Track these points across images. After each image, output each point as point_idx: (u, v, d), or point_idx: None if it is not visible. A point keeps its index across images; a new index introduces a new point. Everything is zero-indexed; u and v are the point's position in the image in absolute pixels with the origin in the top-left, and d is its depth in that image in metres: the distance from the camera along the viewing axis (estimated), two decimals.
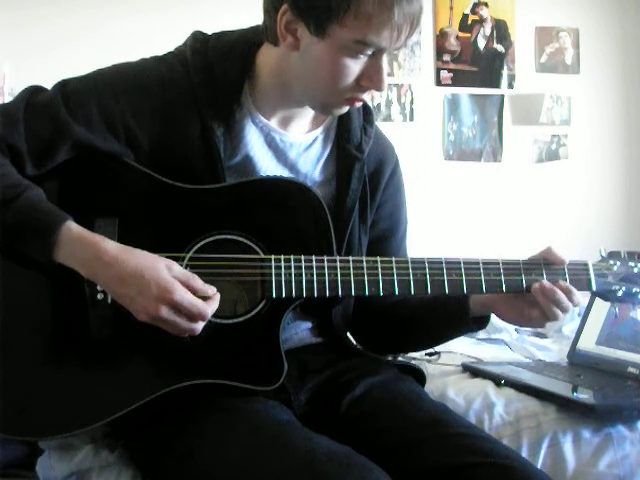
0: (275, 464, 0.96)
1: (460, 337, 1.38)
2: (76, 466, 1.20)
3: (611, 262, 1.26)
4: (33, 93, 1.13)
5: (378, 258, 1.15)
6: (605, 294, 1.26)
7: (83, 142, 1.10)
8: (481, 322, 1.27)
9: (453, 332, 1.33)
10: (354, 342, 1.36)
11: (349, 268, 1.13)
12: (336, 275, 1.12)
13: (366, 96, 1.15)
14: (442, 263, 1.17)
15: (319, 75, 1.11)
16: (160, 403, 1.07)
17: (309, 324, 1.29)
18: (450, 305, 1.27)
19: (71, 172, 1.12)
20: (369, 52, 1.08)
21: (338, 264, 1.13)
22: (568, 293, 1.18)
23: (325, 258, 1.13)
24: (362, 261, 1.14)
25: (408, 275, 1.15)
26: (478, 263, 1.18)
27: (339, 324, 1.29)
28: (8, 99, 2.67)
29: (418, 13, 1.07)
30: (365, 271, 1.14)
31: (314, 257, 1.12)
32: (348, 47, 1.07)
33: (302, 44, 1.10)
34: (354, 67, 1.09)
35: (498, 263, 1.19)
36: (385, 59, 1.10)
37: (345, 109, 1.19)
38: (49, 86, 1.15)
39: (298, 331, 1.28)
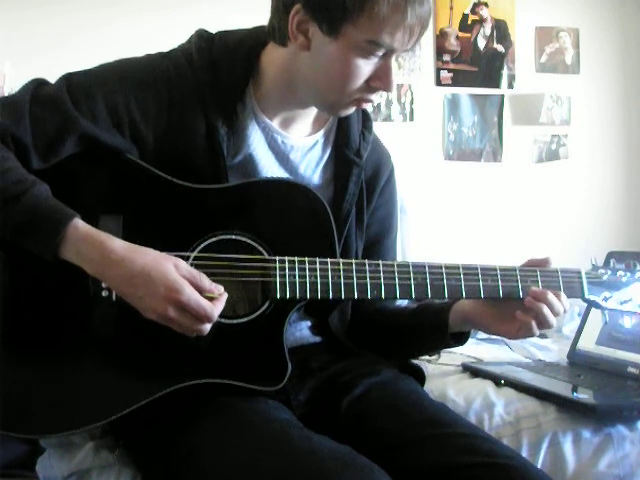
0: (275, 464, 0.96)
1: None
2: (76, 466, 1.20)
3: (601, 271, 1.29)
4: (38, 86, 1.12)
5: (380, 262, 1.16)
6: (595, 302, 1.28)
7: (89, 135, 1.10)
8: (460, 339, 1.28)
9: (432, 345, 1.35)
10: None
11: (352, 271, 1.14)
12: (339, 277, 1.13)
13: (374, 97, 1.16)
14: (442, 268, 1.18)
15: (330, 75, 1.12)
16: (161, 403, 1.07)
17: (308, 323, 1.29)
18: (430, 319, 1.28)
19: (77, 168, 1.11)
20: (380, 53, 1.09)
21: (341, 267, 1.14)
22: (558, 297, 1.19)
23: (329, 260, 1.13)
24: (365, 264, 1.15)
25: (409, 279, 1.16)
26: (477, 268, 1.19)
27: (336, 326, 1.29)
28: None
29: (428, 15, 1.09)
30: (367, 274, 1.15)
31: (318, 259, 1.13)
32: (361, 47, 1.08)
33: (313, 44, 1.11)
34: (365, 68, 1.10)
35: (496, 269, 1.20)
36: (394, 59, 1.12)
37: (352, 110, 1.19)
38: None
39: (297, 330, 1.28)
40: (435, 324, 1.27)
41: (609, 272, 1.28)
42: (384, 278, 1.15)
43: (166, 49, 1.21)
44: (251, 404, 1.09)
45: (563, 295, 1.20)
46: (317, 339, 1.30)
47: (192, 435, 1.06)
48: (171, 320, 1.01)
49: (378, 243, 1.36)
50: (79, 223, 1.02)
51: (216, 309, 1.02)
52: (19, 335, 1.06)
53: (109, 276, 1.02)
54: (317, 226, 1.16)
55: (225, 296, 1.05)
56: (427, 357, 1.71)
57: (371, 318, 1.35)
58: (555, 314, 1.18)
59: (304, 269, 1.12)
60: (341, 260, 1.15)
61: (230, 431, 1.04)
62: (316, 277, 1.12)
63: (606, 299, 1.27)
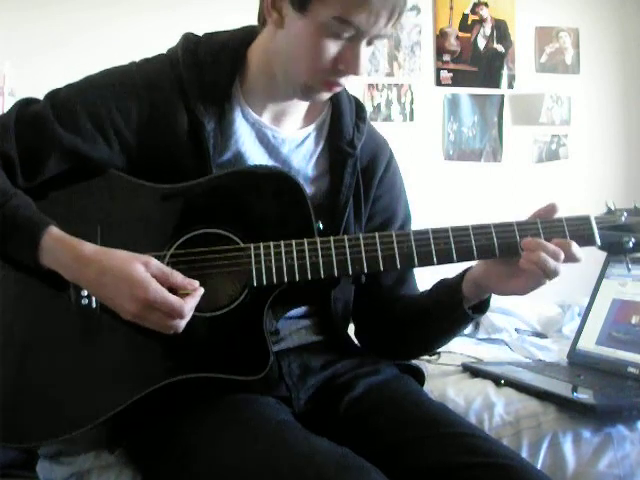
0: (272, 465, 0.96)
1: (462, 333, 1.31)
2: (76, 467, 1.20)
3: (618, 213, 1.19)
4: (24, 104, 1.15)
5: (360, 235, 1.12)
6: (615, 247, 1.17)
7: (72, 151, 1.12)
8: (481, 308, 1.22)
9: (451, 324, 1.26)
10: (355, 341, 1.36)
11: (330, 249, 1.11)
12: (317, 257, 1.10)
13: (343, 80, 1.14)
14: (429, 233, 1.12)
15: (299, 53, 1.11)
16: (158, 402, 1.08)
17: (308, 322, 1.29)
18: (444, 294, 1.23)
19: (52, 183, 1.13)
20: (347, 34, 1.08)
21: (319, 245, 1.11)
22: (564, 246, 1.11)
23: (305, 241, 1.11)
24: (344, 240, 1.11)
25: (393, 249, 1.11)
26: (468, 229, 1.13)
27: (339, 321, 1.28)
28: (8, 99, 2.66)
29: (400, 2, 1.07)
30: (347, 250, 1.11)
31: (294, 241, 1.10)
32: (328, 25, 1.07)
33: (286, 21, 1.11)
34: (332, 47, 1.09)
35: (490, 227, 1.13)
36: (364, 45, 1.10)
37: (326, 95, 1.18)
38: (48, 86, 1.17)
39: (297, 329, 1.27)
40: (450, 297, 1.21)
41: (625, 213, 1.18)
42: (366, 251, 1.11)
43: (165, 49, 1.22)
44: (249, 404, 1.09)
45: (574, 244, 1.11)
46: (318, 338, 1.30)
47: (189, 435, 1.06)
48: (143, 319, 1.01)
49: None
50: (53, 230, 1.04)
51: (187, 305, 1.02)
52: (5, 343, 1.07)
53: (82, 279, 1.04)
54: (292, 207, 1.14)
55: (200, 291, 1.04)
56: (427, 357, 1.72)
57: (383, 311, 1.32)
58: (556, 259, 1.09)
59: (280, 253, 1.10)
60: (318, 239, 1.11)
61: (226, 431, 1.04)
62: (293, 259, 1.10)
63: (627, 242, 1.16)
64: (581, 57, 3.63)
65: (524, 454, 1.31)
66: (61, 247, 1.04)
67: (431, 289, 1.29)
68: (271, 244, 1.10)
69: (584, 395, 1.41)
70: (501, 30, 3.56)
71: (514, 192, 3.52)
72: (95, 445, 1.21)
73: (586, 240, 1.14)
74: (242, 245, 1.11)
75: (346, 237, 1.12)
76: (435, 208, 3.36)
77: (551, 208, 1.17)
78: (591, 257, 1.31)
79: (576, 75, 3.63)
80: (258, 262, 1.10)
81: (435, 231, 1.12)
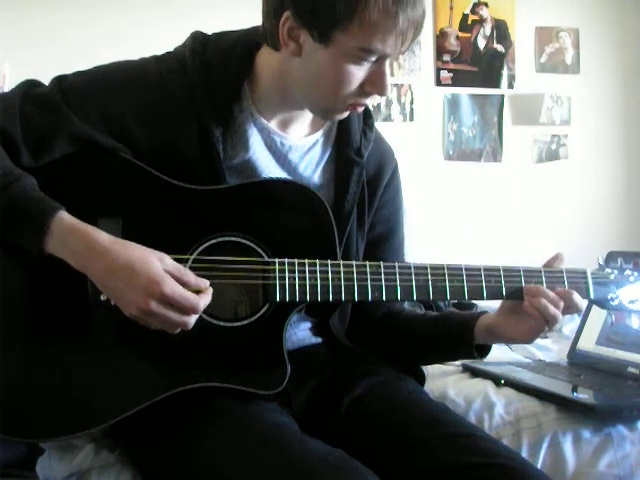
0: (268, 468, 0.96)
1: None
2: (76, 466, 1.19)
3: (608, 270, 1.28)
4: (30, 86, 1.13)
5: (381, 263, 1.15)
6: (602, 302, 1.28)
7: (81, 134, 1.09)
8: (483, 350, 1.27)
9: (453, 356, 1.34)
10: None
11: (352, 273, 1.13)
12: (340, 280, 1.12)
13: (369, 101, 1.15)
14: (444, 269, 1.17)
15: (322, 81, 1.11)
16: (161, 405, 1.07)
17: (308, 324, 1.29)
18: (455, 330, 1.27)
19: (75, 171, 1.11)
20: (373, 58, 1.08)
21: (342, 269, 1.13)
22: (566, 295, 1.18)
23: (329, 262, 1.12)
24: (365, 266, 1.14)
25: (411, 281, 1.15)
26: (479, 269, 1.18)
27: (336, 327, 1.29)
28: None
29: (421, 18, 1.07)
30: (368, 276, 1.14)
31: (318, 261, 1.12)
32: (352, 54, 1.06)
33: (305, 50, 1.09)
34: (358, 73, 1.09)
35: (499, 270, 1.19)
36: (387, 63, 1.10)
37: (346, 114, 1.18)
38: None
39: (297, 331, 1.28)
40: (459, 336, 1.26)
41: (616, 271, 1.27)
42: (385, 280, 1.14)
43: (167, 47, 1.22)
44: (249, 408, 1.09)
45: (575, 293, 1.18)
46: (317, 340, 1.30)
47: (188, 438, 1.05)
48: (153, 314, 0.99)
49: (385, 242, 1.34)
50: (64, 215, 1.01)
51: (202, 300, 1.01)
52: (19, 339, 1.06)
53: (92, 268, 1.01)
54: (317, 227, 1.15)
55: (211, 290, 1.04)
56: None
57: (381, 322, 1.34)
58: (556, 306, 1.16)
59: (304, 271, 1.11)
60: (342, 262, 1.14)
61: (224, 434, 1.03)
62: (316, 279, 1.11)
63: (613, 299, 1.26)
64: (581, 57, 3.63)
65: (524, 454, 1.31)
66: (73, 233, 1.01)
67: (438, 320, 1.31)
68: (296, 261, 1.11)
69: (584, 395, 1.41)
70: (501, 30, 3.57)
71: (514, 192, 3.52)
72: (95, 440, 1.21)
73: (582, 292, 1.22)
74: (267, 259, 1.11)
75: (368, 263, 1.15)
76: (435, 208, 3.37)
77: (558, 258, 1.24)
78: (590, 258, 1.32)
79: (576, 75, 3.63)
80: (282, 278, 1.10)
81: (450, 267, 1.17)
